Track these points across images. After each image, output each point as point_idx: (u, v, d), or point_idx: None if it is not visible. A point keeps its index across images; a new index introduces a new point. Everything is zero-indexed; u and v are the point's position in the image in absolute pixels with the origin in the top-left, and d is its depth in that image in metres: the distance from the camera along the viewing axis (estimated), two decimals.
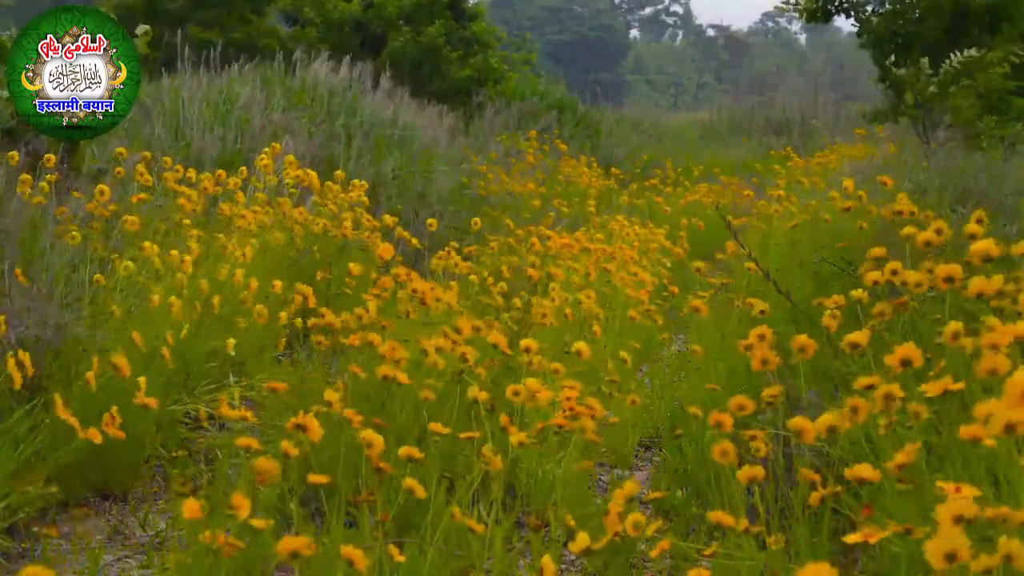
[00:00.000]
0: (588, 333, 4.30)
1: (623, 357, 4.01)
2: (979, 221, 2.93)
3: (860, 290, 2.84)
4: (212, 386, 3.92)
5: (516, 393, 2.66)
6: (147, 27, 5.11)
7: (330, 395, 2.41)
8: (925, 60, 7.74)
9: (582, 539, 1.85)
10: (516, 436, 2.46)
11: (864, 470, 1.75)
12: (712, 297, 4.61)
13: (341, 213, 5.84)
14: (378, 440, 2.13)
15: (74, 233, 3.87)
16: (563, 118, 15.64)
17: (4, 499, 2.64)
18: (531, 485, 3.05)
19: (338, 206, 5.97)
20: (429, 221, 6.16)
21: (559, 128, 14.71)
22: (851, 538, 1.66)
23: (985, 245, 2.42)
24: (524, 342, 3.15)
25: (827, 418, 1.96)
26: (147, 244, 3.96)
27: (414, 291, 3.60)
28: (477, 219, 6.76)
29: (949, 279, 2.36)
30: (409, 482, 2.04)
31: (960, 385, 1.95)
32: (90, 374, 2.88)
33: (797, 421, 1.94)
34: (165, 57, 10.51)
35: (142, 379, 2.83)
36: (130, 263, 3.76)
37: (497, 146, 11.64)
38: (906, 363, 2.01)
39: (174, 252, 3.99)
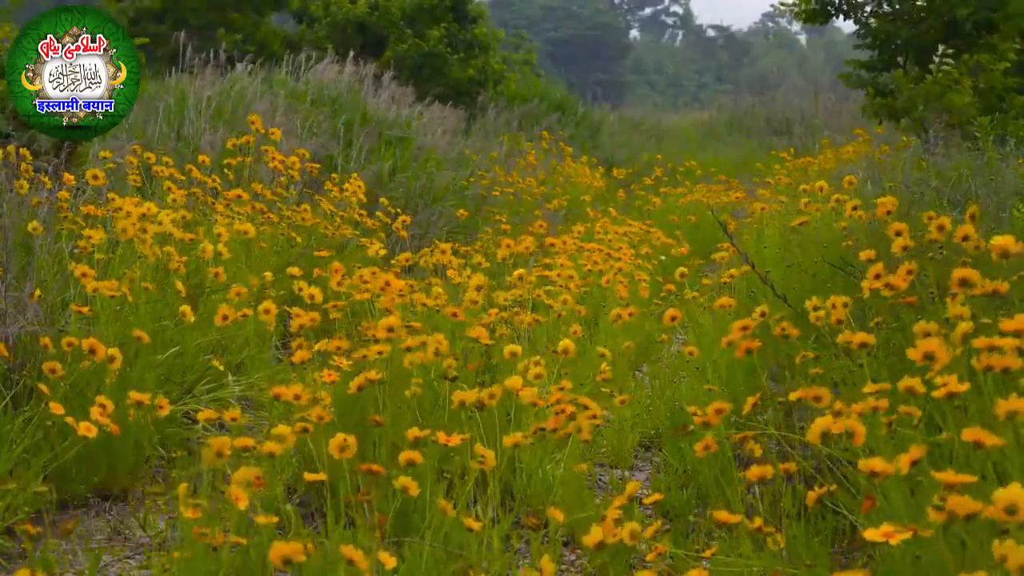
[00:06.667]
0: (586, 332, 4.29)
1: (619, 355, 4.00)
2: (972, 217, 2.87)
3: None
4: (211, 385, 3.92)
5: (492, 396, 2.66)
6: None
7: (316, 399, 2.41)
8: (900, 72, 7.76)
9: (582, 538, 1.85)
10: (511, 438, 2.46)
11: (876, 463, 1.73)
12: (709, 298, 4.60)
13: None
14: (352, 442, 2.12)
15: (35, 224, 3.85)
16: (564, 118, 15.66)
17: (3, 498, 2.64)
18: (530, 486, 3.05)
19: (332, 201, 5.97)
20: (428, 221, 6.17)
21: (560, 128, 14.73)
22: (870, 534, 1.61)
23: (1004, 240, 2.34)
24: (509, 348, 3.15)
25: (821, 423, 1.97)
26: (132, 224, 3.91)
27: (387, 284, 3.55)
28: (463, 210, 6.74)
29: (964, 282, 2.31)
30: (403, 480, 2.03)
31: (965, 386, 1.95)
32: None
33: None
34: (170, 56, 10.52)
35: (115, 351, 2.81)
36: (93, 232, 3.72)
37: (499, 147, 11.66)
38: (929, 357, 1.97)
39: (150, 230, 3.93)
